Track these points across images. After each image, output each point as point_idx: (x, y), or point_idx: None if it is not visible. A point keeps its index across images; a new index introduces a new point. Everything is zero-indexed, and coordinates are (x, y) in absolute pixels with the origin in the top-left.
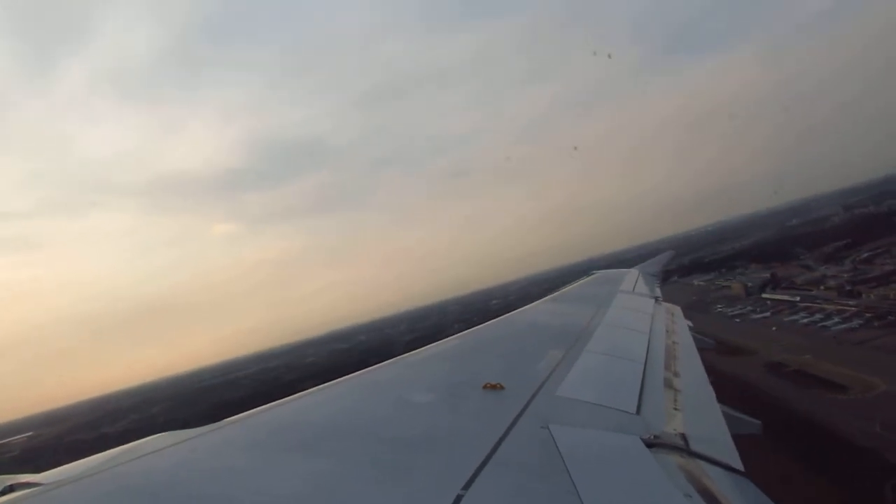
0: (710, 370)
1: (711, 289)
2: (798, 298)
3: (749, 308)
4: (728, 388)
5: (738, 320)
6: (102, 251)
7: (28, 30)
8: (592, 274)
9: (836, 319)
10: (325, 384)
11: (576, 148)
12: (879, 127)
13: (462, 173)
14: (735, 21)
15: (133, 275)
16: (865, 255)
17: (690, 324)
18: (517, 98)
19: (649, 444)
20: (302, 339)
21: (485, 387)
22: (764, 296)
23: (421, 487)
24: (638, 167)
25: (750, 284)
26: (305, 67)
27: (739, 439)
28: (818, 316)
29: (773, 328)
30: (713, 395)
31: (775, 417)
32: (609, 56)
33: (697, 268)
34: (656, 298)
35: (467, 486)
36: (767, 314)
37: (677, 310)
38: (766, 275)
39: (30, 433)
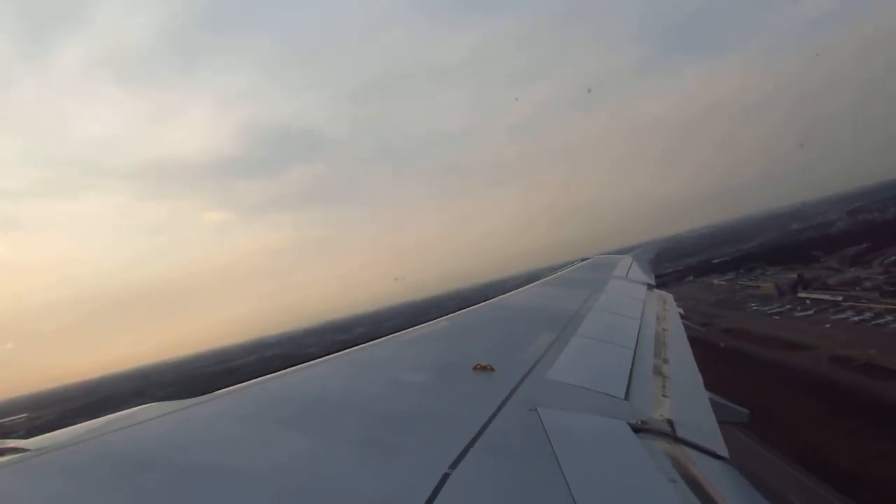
0: (774, 364)
1: (736, 289)
2: (840, 298)
3: (788, 307)
4: (801, 380)
5: (777, 317)
6: (94, 234)
7: (24, 11)
8: (587, 259)
9: (890, 318)
10: (316, 360)
11: (567, 147)
12: (870, 135)
13: (458, 168)
14: (730, 23)
15: (125, 259)
16: (893, 258)
17: (682, 311)
18: (514, 95)
19: (636, 430)
20: (295, 328)
21: (475, 368)
22: (801, 295)
23: (408, 465)
24: (631, 168)
25: (780, 285)
26: (303, 58)
27: (725, 427)
28: (868, 314)
29: (826, 325)
30: (701, 382)
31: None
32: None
33: (709, 269)
34: (649, 285)
35: (454, 465)
36: (810, 312)
37: (669, 297)
38: (793, 276)
39: (25, 414)
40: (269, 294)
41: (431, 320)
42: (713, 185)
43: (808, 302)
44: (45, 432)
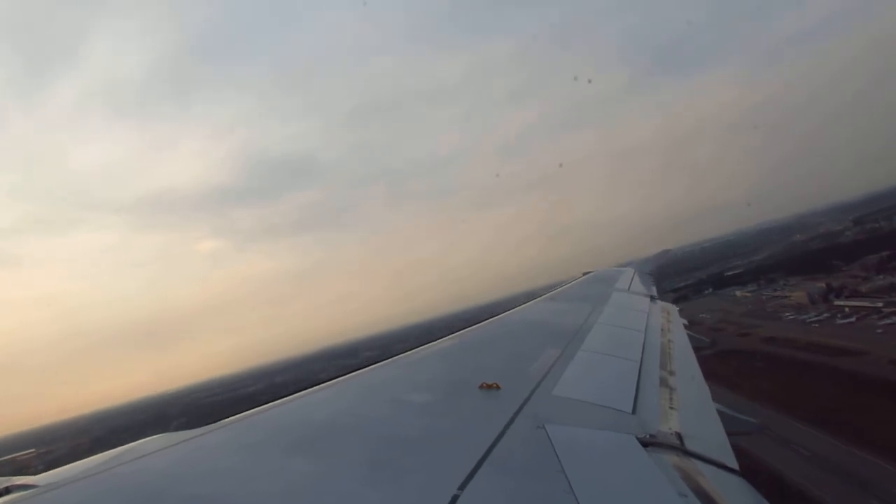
0: (831, 369)
1: (763, 299)
2: (881, 304)
3: (826, 315)
4: (866, 382)
5: (816, 325)
6: (91, 267)
7: (19, 45)
8: (588, 273)
9: None
10: (322, 385)
11: (561, 165)
12: (858, 147)
13: (452, 191)
14: (718, 39)
15: (123, 290)
16: None
17: (685, 322)
18: (505, 117)
19: (645, 444)
20: (297, 354)
21: (481, 386)
22: (838, 303)
23: (417, 487)
24: (624, 186)
25: (811, 293)
26: (295, 86)
27: (735, 438)
28: None
29: (878, 331)
30: (709, 394)
31: None
32: (589, 81)
33: (724, 281)
34: (652, 297)
35: (463, 486)
36: (852, 319)
37: (673, 308)
38: (820, 285)
39: (32, 450)
40: (267, 321)
41: (436, 339)
42: (704, 200)
43: (846, 310)
44: (57, 467)
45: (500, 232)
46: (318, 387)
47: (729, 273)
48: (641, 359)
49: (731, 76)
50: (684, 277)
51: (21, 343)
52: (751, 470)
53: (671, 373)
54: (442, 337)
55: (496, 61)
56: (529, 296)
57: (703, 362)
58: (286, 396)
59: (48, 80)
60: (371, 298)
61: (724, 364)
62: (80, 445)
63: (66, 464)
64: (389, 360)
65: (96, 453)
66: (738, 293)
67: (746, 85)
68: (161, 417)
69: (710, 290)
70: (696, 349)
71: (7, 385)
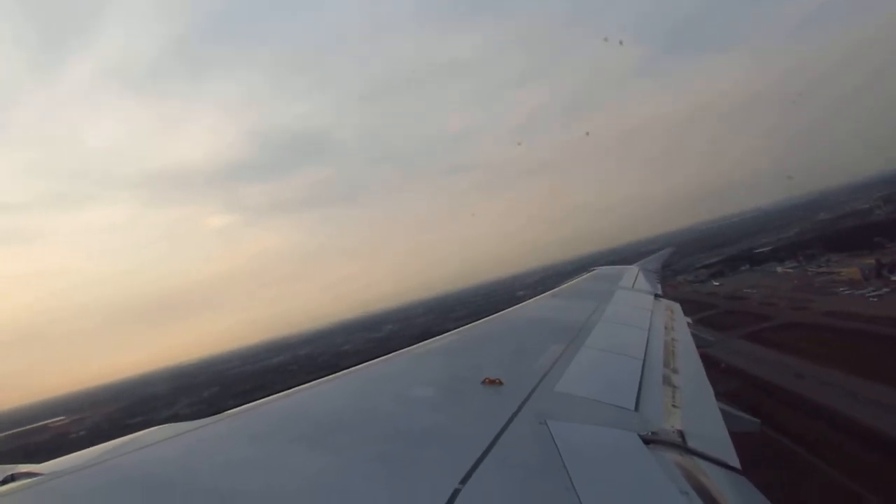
0: None
1: (808, 275)
2: None
3: (886, 290)
4: None
5: (874, 300)
6: (105, 241)
7: (35, 24)
8: (592, 270)
9: None
10: (325, 378)
11: (588, 133)
12: (875, 125)
13: (468, 167)
14: (733, 19)
15: (133, 266)
16: None
17: (689, 320)
18: (520, 95)
19: (647, 441)
20: (315, 328)
21: (484, 382)
22: (895, 278)
23: (419, 481)
24: (635, 167)
25: (863, 269)
26: (308, 63)
27: (737, 437)
28: None
29: None
30: (711, 392)
31: None
32: (621, 42)
33: (755, 258)
34: (656, 295)
35: (465, 481)
36: None
37: (676, 307)
38: (869, 261)
39: (63, 417)
40: (283, 295)
41: (440, 335)
42: (724, 178)
43: None
44: (94, 434)
45: (517, 209)
46: (320, 380)
47: (760, 249)
48: (644, 356)
49: (748, 55)
50: (714, 253)
51: (41, 315)
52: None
53: (674, 371)
54: (444, 332)
55: (510, 38)
56: (549, 270)
57: (769, 334)
58: (287, 389)
59: (63, 57)
60: (389, 273)
61: (788, 335)
62: (111, 413)
63: (103, 430)
64: (393, 354)
65: (127, 421)
66: (779, 269)
67: (761, 63)
68: (191, 387)
69: (747, 266)
70: (758, 320)
71: (29, 356)
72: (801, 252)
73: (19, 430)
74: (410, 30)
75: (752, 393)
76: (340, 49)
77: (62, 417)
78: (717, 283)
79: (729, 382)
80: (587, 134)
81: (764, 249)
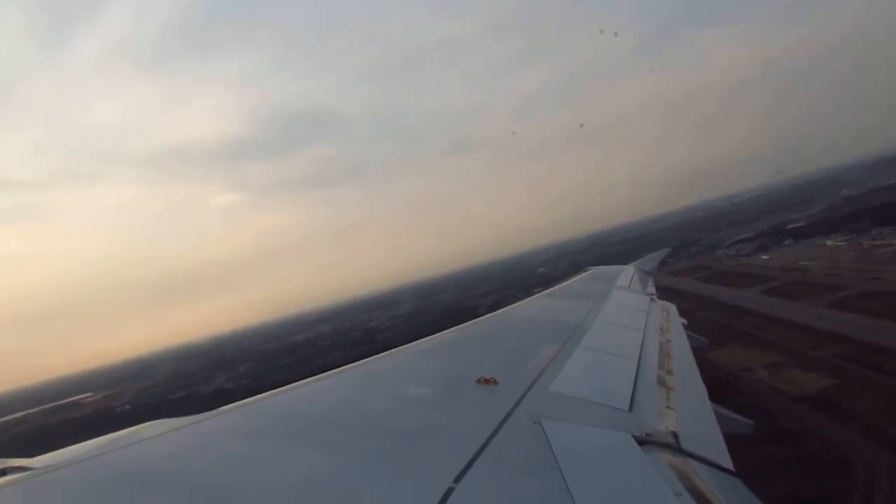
0: None
1: (864, 247)
2: None
3: None
4: None
5: None
6: (112, 219)
7: (41, 1)
8: (588, 270)
9: None
10: (319, 375)
11: (582, 125)
12: (882, 100)
13: (473, 146)
14: None
15: (142, 243)
16: None
17: (685, 321)
18: (524, 74)
19: (641, 442)
20: (331, 305)
21: (479, 381)
22: None
23: (413, 479)
24: (647, 144)
25: None
26: (314, 41)
27: (730, 438)
28: None
29: None
30: (706, 393)
31: None
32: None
33: (791, 234)
34: (651, 296)
35: (458, 479)
36: None
37: (672, 307)
38: None
39: (89, 393)
40: (292, 273)
41: (435, 333)
42: (725, 154)
43: None
44: (136, 411)
45: (524, 187)
46: (314, 377)
47: (794, 225)
48: (639, 357)
49: (756, 27)
50: (739, 230)
51: (47, 294)
52: None
53: (669, 372)
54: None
55: (513, 16)
56: (558, 248)
57: (855, 302)
58: (283, 386)
59: (70, 35)
60: (406, 249)
61: (878, 304)
62: (141, 390)
63: (149, 405)
64: (388, 352)
65: (157, 396)
66: (828, 242)
67: (766, 39)
68: (222, 362)
69: (791, 240)
70: (832, 290)
71: (41, 334)
72: (846, 226)
73: (51, 405)
74: (415, 5)
75: None
76: (345, 27)
77: (88, 394)
78: (765, 257)
79: None
80: (581, 126)
81: (798, 224)
